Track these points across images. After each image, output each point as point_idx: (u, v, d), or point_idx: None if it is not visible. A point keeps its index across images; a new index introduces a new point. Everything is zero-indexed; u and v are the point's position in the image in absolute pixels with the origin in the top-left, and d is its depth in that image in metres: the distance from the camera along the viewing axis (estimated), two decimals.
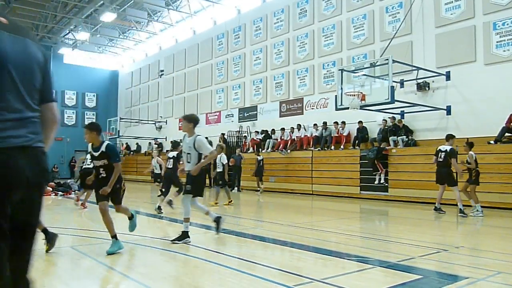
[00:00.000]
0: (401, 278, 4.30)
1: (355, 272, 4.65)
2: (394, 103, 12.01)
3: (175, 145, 10.68)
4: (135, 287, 4.12)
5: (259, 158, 16.26)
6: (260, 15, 20.92)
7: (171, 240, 6.08)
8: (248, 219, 9.36)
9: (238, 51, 22.14)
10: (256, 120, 20.68)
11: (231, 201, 11.89)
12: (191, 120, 6.36)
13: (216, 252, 5.63)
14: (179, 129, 26.08)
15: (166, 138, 27.19)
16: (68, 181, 17.41)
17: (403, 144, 13.92)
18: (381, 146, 13.95)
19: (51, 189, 15.43)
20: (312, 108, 18.02)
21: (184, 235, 6.08)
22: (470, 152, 9.77)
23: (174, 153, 10.30)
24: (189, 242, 6.01)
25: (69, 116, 32.10)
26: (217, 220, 6.76)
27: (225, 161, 11.66)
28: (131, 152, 29.46)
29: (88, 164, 10.11)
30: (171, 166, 10.16)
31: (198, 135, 6.28)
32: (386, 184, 13.63)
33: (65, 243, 6.35)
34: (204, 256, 5.37)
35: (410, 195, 12.81)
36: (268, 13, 20.46)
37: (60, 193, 15.28)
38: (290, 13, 19.33)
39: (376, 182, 13.81)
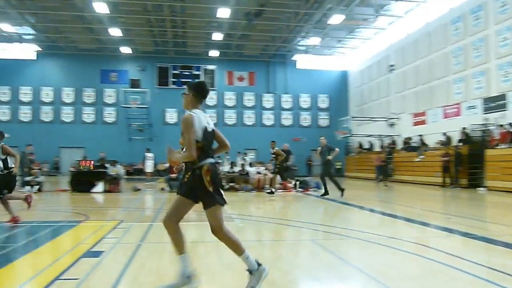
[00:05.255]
0: None
1: None
2: None
3: None
4: (373, 285, 4.13)
5: None
6: None
7: None
8: (497, 224, 8.21)
9: (478, 34, 19.61)
10: (506, 110, 17.84)
11: None
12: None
13: (459, 257, 5.13)
14: (414, 125, 24.89)
15: (400, 135, 26.33)
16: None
17: None
18: None
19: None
20: None
21: None
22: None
23: None
24: None
25: (304, 118, 34.54)
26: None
27: None
28: (364, 150, 29.74)
29: None
30: None
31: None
32: None
33: (306, 236, 6.88)
34: (445, 260, 4.96)
35: None
36: None
37: (299, 189, 16.60)
38: None
39: None
